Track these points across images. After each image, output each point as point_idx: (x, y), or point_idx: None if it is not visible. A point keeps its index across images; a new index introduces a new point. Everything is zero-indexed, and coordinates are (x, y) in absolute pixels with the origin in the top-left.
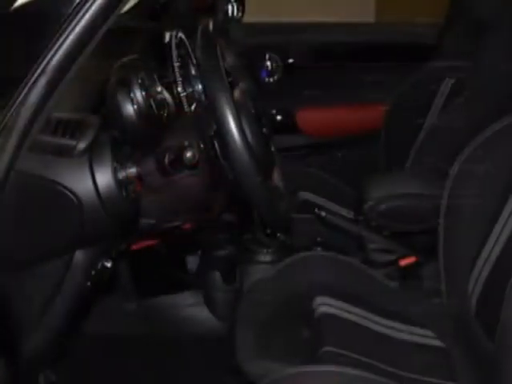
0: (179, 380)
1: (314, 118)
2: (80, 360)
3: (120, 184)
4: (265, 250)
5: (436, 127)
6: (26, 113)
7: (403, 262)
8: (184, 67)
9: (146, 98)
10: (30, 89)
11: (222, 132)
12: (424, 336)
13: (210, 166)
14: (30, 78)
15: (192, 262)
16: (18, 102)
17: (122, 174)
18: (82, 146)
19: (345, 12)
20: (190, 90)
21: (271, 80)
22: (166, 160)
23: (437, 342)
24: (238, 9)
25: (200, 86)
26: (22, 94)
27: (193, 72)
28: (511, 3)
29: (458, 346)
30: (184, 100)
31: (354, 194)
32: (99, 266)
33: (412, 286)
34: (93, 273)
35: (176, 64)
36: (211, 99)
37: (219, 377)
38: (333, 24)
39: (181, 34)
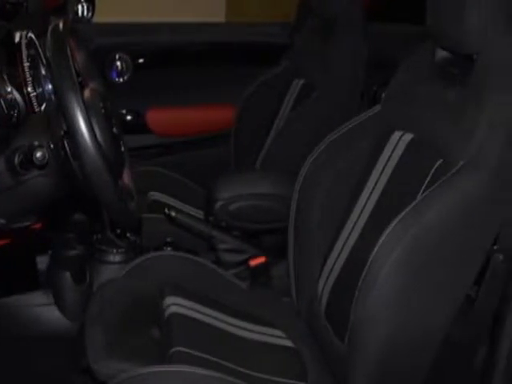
0: (29, 381)
1: (163, 118)
2: None
3: None
4: (115, 250)
5: (285, 128)
6: None
7: (253, 262)
8: (34, 67)
9: None
10: None
11: (71, 132)
12: (274, 336)
13: (60, 166)
14: None
15: (42, 261)
16: None
17: None
18: None
19: (196, 12)
20: (40, 89)
21: (121, 80)
22: (16, 160)
23: (287, 342)
24: (88, 9)
25: (50, 86)
26: None
27: (43, 72)
28: (358, 2)
29: (308, 346)
30: (34, 100)
31: (205, 193)
32: None
33: (262, 286)
34: None
35: (26, 64)
36: (61, 99)
37: (70, 377)
38: (183, 24)
39: (31, 34)
